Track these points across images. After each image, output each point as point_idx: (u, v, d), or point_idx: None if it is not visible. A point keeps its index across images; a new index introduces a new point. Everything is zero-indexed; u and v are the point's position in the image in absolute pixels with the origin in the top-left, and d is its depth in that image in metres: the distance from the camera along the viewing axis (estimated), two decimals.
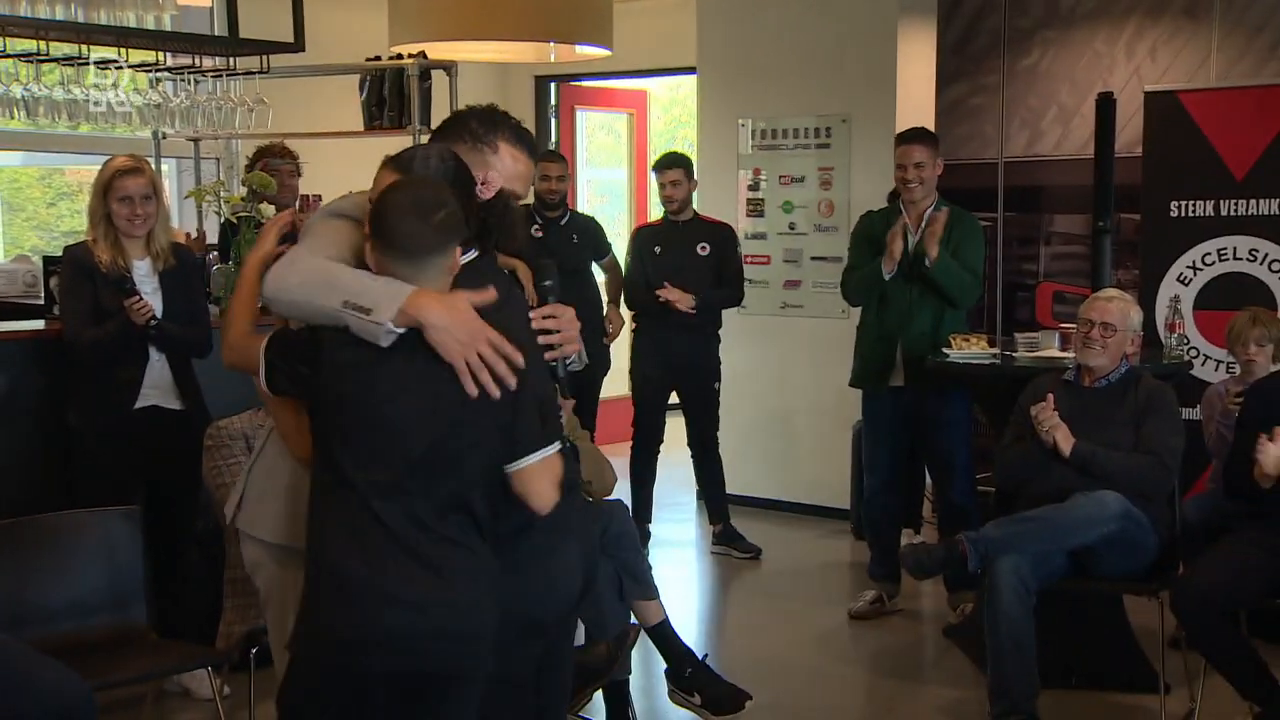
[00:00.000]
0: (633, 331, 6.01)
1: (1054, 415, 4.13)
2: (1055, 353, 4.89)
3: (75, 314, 4.09)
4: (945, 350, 4.94)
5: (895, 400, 5.12)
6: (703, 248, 5.86)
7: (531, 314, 2.60)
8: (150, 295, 4.09)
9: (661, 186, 5.91)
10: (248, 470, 2.73)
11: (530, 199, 6.13)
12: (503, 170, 2.58)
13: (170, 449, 4.11)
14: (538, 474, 2.42)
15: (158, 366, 4.14)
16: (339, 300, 2.27)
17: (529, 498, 2.42)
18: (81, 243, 4.18)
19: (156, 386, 4.14)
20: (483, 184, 2.53)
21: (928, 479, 5.67)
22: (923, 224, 4.97)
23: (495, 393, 2.31)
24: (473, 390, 2.30)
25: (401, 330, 2.28)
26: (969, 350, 4.89)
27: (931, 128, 6.15)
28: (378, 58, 6.09)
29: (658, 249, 5.91)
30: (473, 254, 2.48)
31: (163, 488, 4.18)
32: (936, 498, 5.35)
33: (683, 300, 5.75)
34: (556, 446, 2.45)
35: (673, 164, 5.90)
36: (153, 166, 4.42)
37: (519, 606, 2.47)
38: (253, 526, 2.66)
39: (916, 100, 6.47)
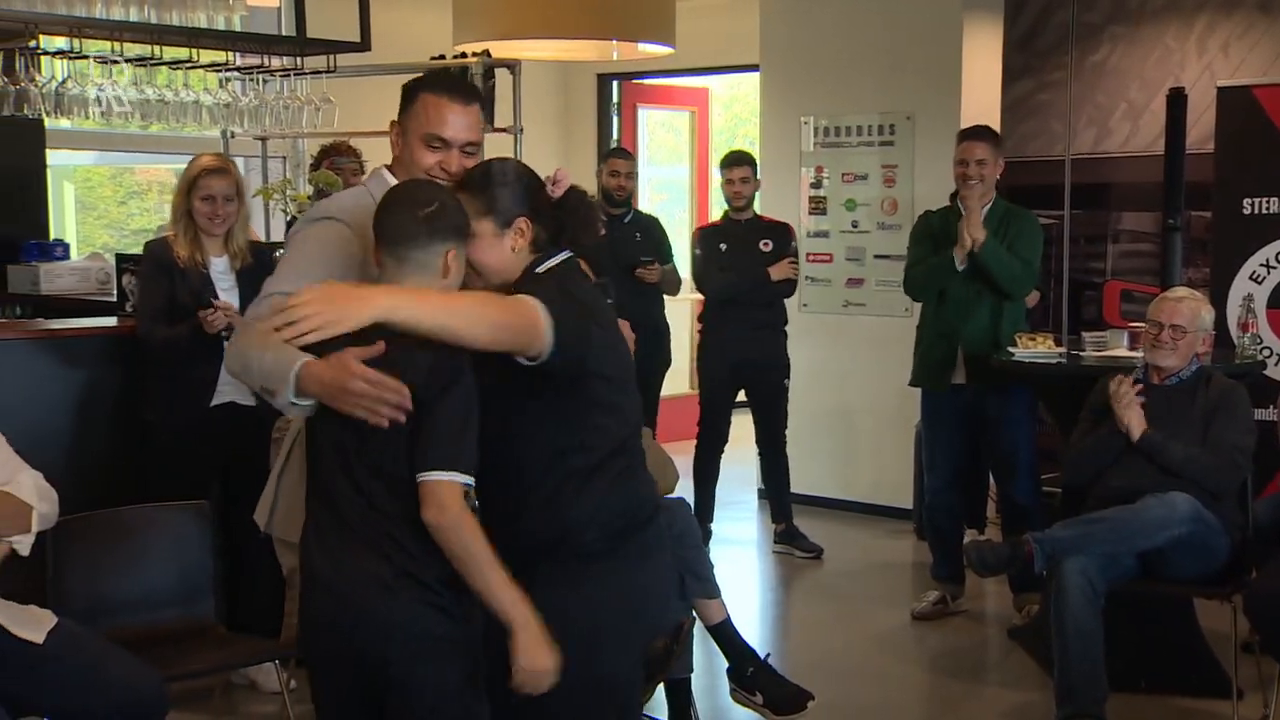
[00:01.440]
0: (700, 332, 6.03)
1: (1132, 390, 4.10)
2: (1123, 352, 4.83)
3: (150, 310, 4.15)
4: (1010, 349, 4.89)
5: (955, 398, 5.07)
6: (765, 244, 5.89)
7: None
8: (227, 292, 4.14)
9: (729, 183, 5.92)
10: (278, 477, 2.75)
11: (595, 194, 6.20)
12: (423, 118, 2.54)
13: (246, 445, 4.13)
14: (429, 492, 2.27)
15: None
16: (258, 385, 2.37)
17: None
18: (162, 238, 4.24)
19: (231, 382, 4.17)
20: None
21: (991, 478, 5.62)
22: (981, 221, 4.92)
23: (400, 418, 2.25)
24: (383, 423, 2.26)
25: (310, 401, 2.30)
26: (1035, 349, 4.85)
27: (996, 124, 6.09)
28: (442, 56, 6.12)
29: (723, 246, 5.94)
30: (565, 255, 2.50)
31: (233, 485, 4.23)
32: (999, 498, 5.30)
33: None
34: (452, 477, 2.27)
35: (741, 161, 5.95)
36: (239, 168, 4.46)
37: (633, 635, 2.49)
38: (287, 532, 2.69)
39: (982, 97, 6.40)
